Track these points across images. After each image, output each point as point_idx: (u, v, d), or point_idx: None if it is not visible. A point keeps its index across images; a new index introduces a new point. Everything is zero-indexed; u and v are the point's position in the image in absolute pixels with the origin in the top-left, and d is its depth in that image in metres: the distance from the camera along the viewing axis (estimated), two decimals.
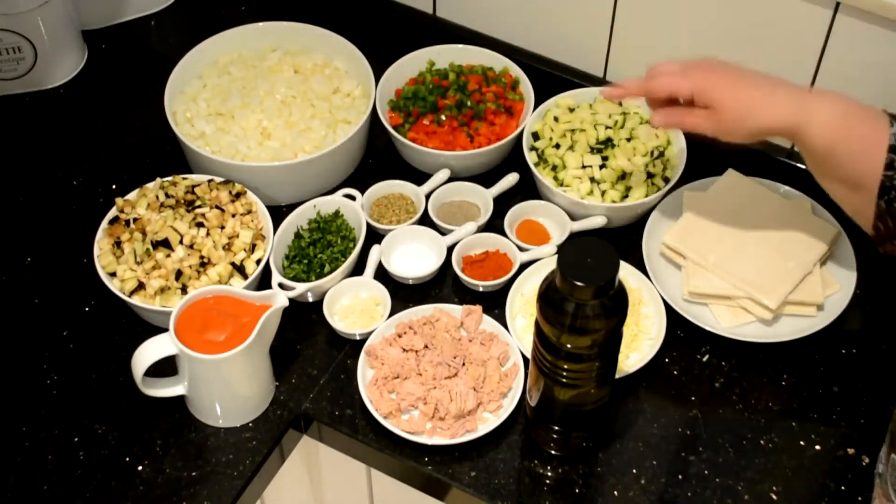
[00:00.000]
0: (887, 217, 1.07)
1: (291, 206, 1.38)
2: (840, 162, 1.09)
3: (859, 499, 1.16)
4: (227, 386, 1.18)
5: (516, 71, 1.49)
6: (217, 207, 1.32)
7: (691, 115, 1.14)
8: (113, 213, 1.33)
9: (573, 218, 1.37)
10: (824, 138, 1.08)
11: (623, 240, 1.36)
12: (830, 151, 1.08)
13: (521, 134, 1.43)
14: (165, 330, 1.15)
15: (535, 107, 1.45)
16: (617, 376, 1.16)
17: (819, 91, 1.12)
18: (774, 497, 1.16)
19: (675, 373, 1.27)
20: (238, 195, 1.34)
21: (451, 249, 1.35)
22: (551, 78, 1.51)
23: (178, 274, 1.26)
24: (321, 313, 1.29)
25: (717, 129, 1.13)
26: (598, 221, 1.36)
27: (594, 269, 1.01)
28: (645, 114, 1.44)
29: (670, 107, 1.16)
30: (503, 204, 1.39)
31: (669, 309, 1.28)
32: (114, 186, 1.44)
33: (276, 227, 1.33)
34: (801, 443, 1.21)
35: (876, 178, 1.06)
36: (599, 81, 1.50)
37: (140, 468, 1.18)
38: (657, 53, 1.44)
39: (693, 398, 1.24)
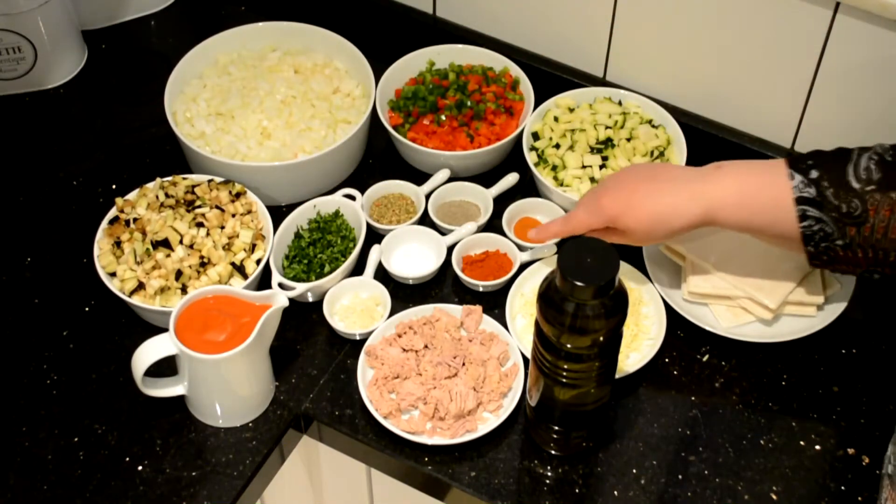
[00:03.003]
0: (822, 255, 1.13)
1: (291, 206, 1.38)
2: (759, 230, 1.15)
3: (859, 499, 1.16)
4: (227, 386, 1.18)
5: (516, 71, 1.49)
6: (217, 207, 1.32)
7: (610, 235, 1.21)
8: (113, 213, 1.33)
9: None
10: (734, 219, 1.15)
11: None
12: (746, 227, 1.16)
13: (521, 134, 1.43)
14: (165, 330, 1.15)
15: (535, 107, 1.45)
16: (617, 376, 1.16)
17: (714, 176, 1.16)
18: (774, 497, 1.16)
19: (675, 373, 1.27)
20: (238, 195, 1.34)
21: (451, 249, 1.35)
22: (551, 78, 1.51)
23: (178, 274, 1.26)
24: (321, 313, 1.29)
25: (634, 243, 1.22)
26: None
27: (594, 269, 1.01)
28: (645, 114, 1.45)
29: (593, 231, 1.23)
30: (503, 204, 1.39)
31: (669, 309, 1.28)
32: (114, 186, 1.44)
33: (276, 227, 1.33)
34: (801, 443, 1.21)
35: (796, 231, 1.12)
36: (599, 81, 1.50)
37: (140, 468, 1.18)
38: (657, 53, 1.44)
39: (693, 398, 1.24)
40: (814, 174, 1.10)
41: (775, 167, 1.13)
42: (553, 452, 1.19)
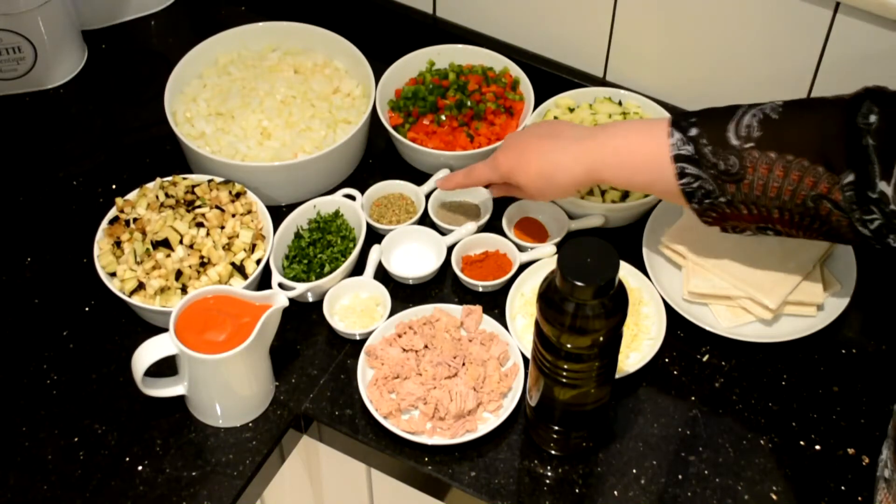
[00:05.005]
0: (709, 212, 1.14)
1: (291, 206, 1.38)
2: (643, 188, 1.18)
3: (859, 499, 1.16)
4: (227, 386, 1.18)
5: (516, 71, 1.49)
6: (217, 207, 1.32)
7: (512, 190, 1.30)
8: (113, 213, 1.33)
9: (572, 217, 1.37)
10: (617, 178, 1.18)
11: (623, 240, 1.36)
12: (629, 185, 1.19)
13: None
14: (165, 330, 1.15)
15: (535, 107, 1.45)
16: (617, 376, 1.16)
17: (600, 135, 1.18)
18: (774, 497, 1.17)
19: (675, 373, 1.27)
20: (238, 195, 1.34)
21: (450, 249, 1.35)
22: (551, 78, 1.51)
23: (178, 274, 1.26)
24: (321, 313, 1.29)
25: (533, 198, 1.28)
26: (595, 221, 1.36)
27: (594, 269, 1.01)
28: (645, 114, 1.45)
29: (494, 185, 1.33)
30: (503, 204, 1.39)
31: (669, 309, 1.28)
32: (114, 186, 1.44)
33: (276, 227, 1.33)
34: (801, 443, 1.21)
35: (678, 188, 1.13)
36: (599, 81, 1.50)
37: (140, 468, 1.18)
38: (657, 53, 1.44)
39: (693, 398, 1.24)
40: (693, 132, 1.11)
41: (658, 125, 1.14)
42: (553, 452, 1.19)
